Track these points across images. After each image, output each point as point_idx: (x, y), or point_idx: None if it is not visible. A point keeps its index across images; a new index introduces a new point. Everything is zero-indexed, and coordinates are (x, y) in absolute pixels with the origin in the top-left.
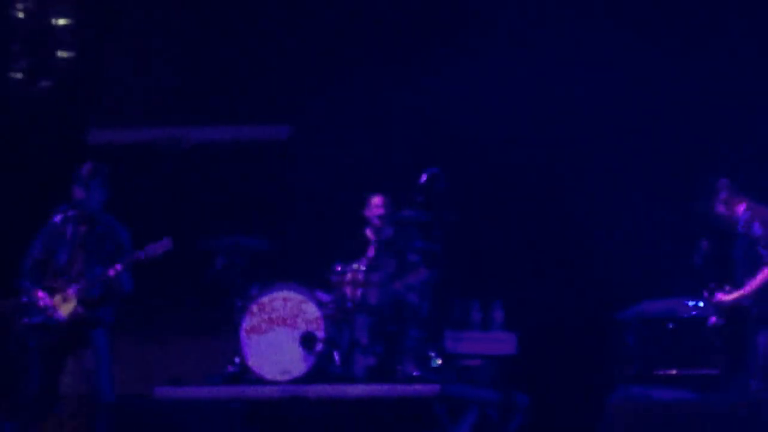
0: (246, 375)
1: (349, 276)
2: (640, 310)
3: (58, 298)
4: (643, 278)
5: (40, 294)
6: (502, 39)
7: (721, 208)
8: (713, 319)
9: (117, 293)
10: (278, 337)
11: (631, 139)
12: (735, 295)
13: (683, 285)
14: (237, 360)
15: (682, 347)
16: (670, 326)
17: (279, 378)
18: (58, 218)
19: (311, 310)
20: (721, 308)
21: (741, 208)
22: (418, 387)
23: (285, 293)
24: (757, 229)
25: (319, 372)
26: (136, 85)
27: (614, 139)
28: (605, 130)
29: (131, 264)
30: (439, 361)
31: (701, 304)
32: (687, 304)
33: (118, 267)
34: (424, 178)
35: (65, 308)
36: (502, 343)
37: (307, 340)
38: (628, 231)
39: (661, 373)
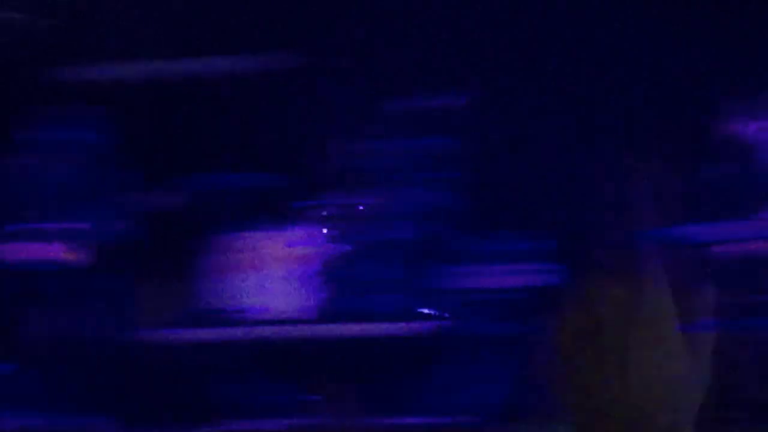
0: (237, 316)
1: (346, 210)
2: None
3: None
4: None
5: None
6: None
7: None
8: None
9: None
10: (263, 278)
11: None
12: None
13: None
14: (221, 302)
15: None
16: None
17: (266, 318)
18: None
19: (297, 248)
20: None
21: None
22: (428, 324)
23: (276, 230)
24: None
25: (316, 312)
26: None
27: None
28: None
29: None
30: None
31: None
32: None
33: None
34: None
35: None
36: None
37: (300, 279)
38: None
39: None
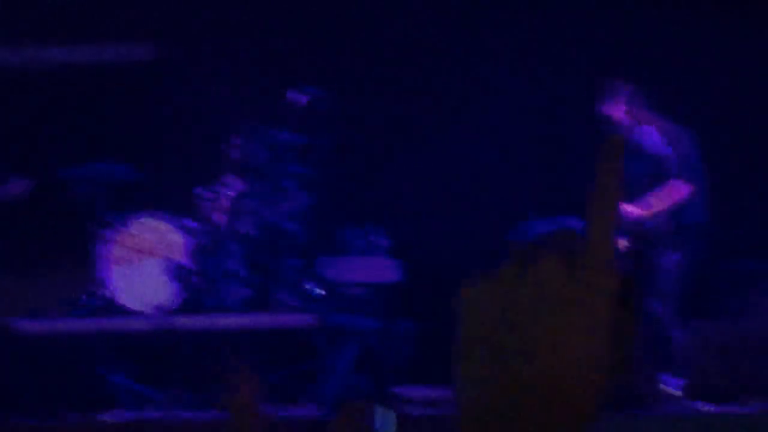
0: (111, 307)
1: (218, 202)
2: (524, 230)
3: None
4: (536, 198)
5: None
6: None
7: (614, 112)
8: (620, 240)
9: None
10: (145, 268)
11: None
12: (648, 210)
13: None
14: (100, 292)
15: None
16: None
17: (144, 310)
18: None
19: (179, 238)
20: (626, 227)
21: (642, 120)
22: (295, 317)
23: (150, 222)
24: (663, 147)
25: (189, 303)
26: None
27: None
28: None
29: None
30: (318, 291)
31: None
32: (579, 223)
33: None
34: (299, 98)
35: None
36: (385, 270)
37: (174, 270)
38: (520, 147)
39: None
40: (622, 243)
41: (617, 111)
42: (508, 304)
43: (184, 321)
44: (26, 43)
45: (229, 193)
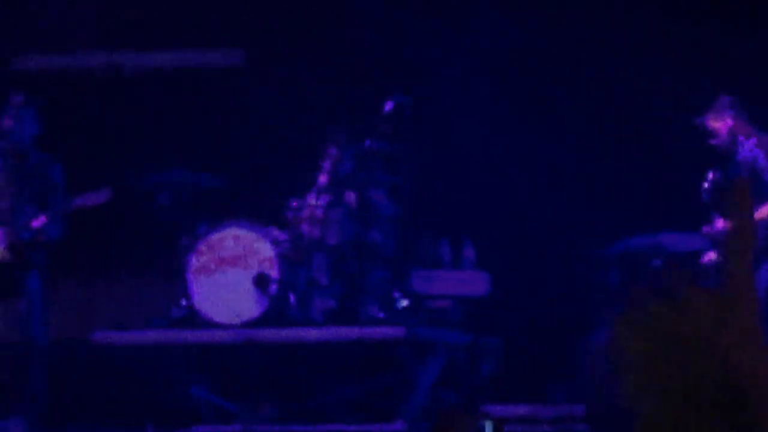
0: (194, 318)
1: (306, 213)
2: (624, 245)
3: None
4: (630, 212)
5: None
6: None
7: (715, 124)
8: (710, 254)
9: (43, 242)
10: (229, 278)
11: (613, 55)
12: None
13: (676, 220)
14: (184, 302)
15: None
16: (657, 262)
17: (230, 321)
18: None
19: (264, 248)
20: (718, 241)
21: (744, 133)
22: (381, 329)
23: (236, 231)
24: (762, 159)
25: (273, 315)
26: (69, 7)
27: (594, 55)
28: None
29: (62, 213)
30: (405, 303)
31: (694, 237)
32: (677, 238)
33: (42, 219)
34: (389, 106)
35: None
36: (473, 283)
37: (260, 281)
38: (613, 160)
39: None
40: (712, 256)
41: (720, 124)
42: (671, 335)
43: (269, 333)
44: (114, 48)
45: (316, 203)
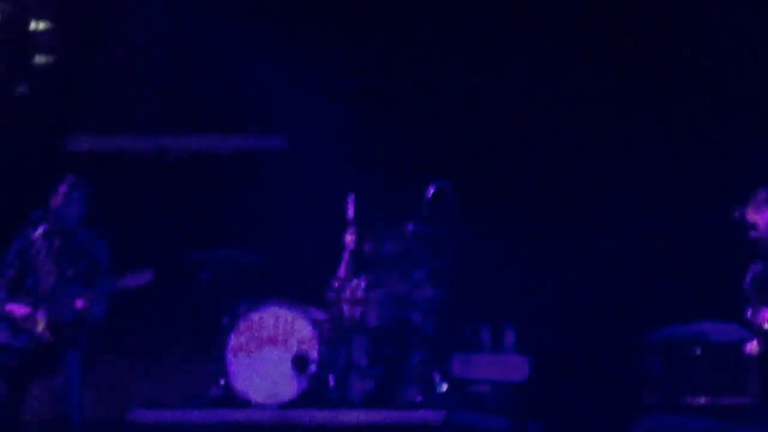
0: (232, 398)
1: (347, 293)
2: (668, 332)
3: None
4: (673, 300)
5: (14, 308)
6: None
7: (754, 216)
8: (753, 343)
9: (86, 322)
10: (268, 358)
11: (657, 144)
12: None
13: (717, 308)
14: (222, 381)
15: (713, 374)
16: (700, 351)
17: (267, 401)
18: (32, 231)
19: (304, 328)
20: (762, 331)
21: None
22: (420, 413)
23: (276, 310)
24: None
25: (312, 396)
26: (119, 91)
27: (636, 143)
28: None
29: (106, 293)
30: (445, 386)
31: (736, 327)
32: (720, 327)
33: (87, 300)
34: (431, 191)
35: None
36: (513, 367)
37: (299, 361)
38: (655, 248)
39: (690, 401)
40: (754, 346)
41: (759, 216)
42: None
43: (306, 414)
44: (160, 132)
45: (357, 283)
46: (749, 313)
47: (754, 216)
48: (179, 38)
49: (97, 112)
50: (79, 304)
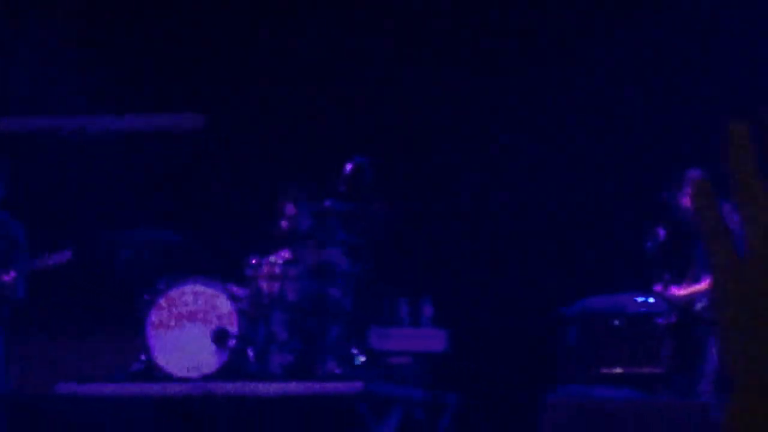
0: (153, 372)
1: (265, 269)
2: (585, 305)
3: None
4: (588, 272)
5: None
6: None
7: (687, 201)
8: (666, 315)
9: (9, 298)
10: (188, 333)
11: (575, 121)
12: (691, 290)
13: (631, 280)
14: (143, 357)
15: (628, 345)
16: (617, 323)
17: (188, 375)
18: None
19: (224, 304)
20: (673, 304)
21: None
22: (338, 385)
23: (195, 287)
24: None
25: (232, 369)
26: (33, 72)
27: (557, 120)
28: (547, 111)
29: (26, 272)
30: (363, 359)
31: (651, 300)
32: (635, 300)
33: (12, 274)
34: (348, 167)
35: None
36: (431, 339)
37: (219, 336)
38: (571, 221)
39: (606, 371)
40: (668, 318)
41: (685, 196)
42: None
43: (227, 386)
44: (75, 111)
45: (275, 260)
46: (659, 287)
47: (686, 199)
48: None
49: (14, 92)
50: (7, 278)
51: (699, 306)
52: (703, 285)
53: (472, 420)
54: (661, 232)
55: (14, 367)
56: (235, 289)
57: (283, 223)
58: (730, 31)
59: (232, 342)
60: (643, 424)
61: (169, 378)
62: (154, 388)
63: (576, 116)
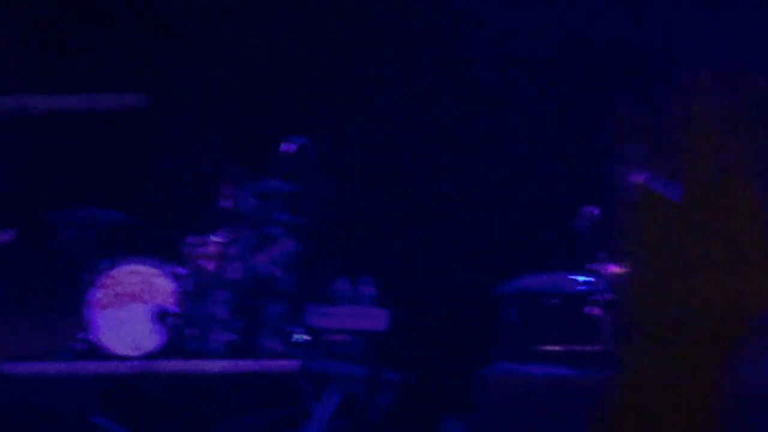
0: (96, 351)
1: (206, 249)
2: (522, 284)
3: None
4: (526, 251)
5: None
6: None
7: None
8: (603, 293)
9: None
10: (129, 312)
11: (515, 96)
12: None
13: (567, 259)
14: (85, 335)
15: (566, 323)
16: (554, 301)
17: (129, 354)
18: None
19: (164, 283)
20: (611, 282)
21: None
22: (278, 362)
23: (136, 266)
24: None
25: (173, 348)
26: None
27: (494, 94)
28: (482, 86)
29: None
30: (304, 337)
31: (589, 278)
32: (572, 279)
33: None
34: (290, 147)
35: None
36: (371, 318)
37: (159, 315)
38: (511, 200)
39: (544, 349)
40: (605, 296)
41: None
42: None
43: (167, 364)
44: (14, 90)
45: (216, 239)
46: (594, 266)
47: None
48: None
49: None
50: None
51: None
52: None
53: (412, 397)
54: (595, 211)
55: None
56: (176, 269)
57: (225, 203)
58: None
59: (173, 320)
60: (577, 400)
61: (111, 357)
62: (97, 367)
63: (509, 94)
